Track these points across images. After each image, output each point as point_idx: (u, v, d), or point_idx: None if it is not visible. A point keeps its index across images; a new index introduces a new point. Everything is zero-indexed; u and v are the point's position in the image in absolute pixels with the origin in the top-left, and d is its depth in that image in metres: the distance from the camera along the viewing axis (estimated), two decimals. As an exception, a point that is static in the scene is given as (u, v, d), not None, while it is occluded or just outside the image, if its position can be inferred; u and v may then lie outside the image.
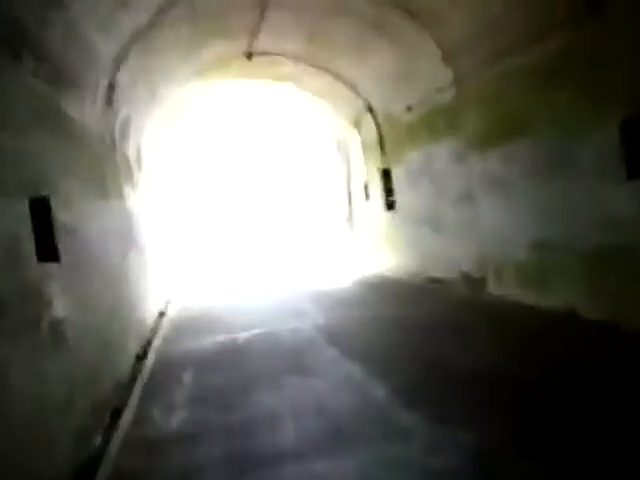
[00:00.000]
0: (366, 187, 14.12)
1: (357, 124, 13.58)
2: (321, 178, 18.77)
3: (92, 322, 5.21)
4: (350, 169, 15.55)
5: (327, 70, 12.27)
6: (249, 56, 11.73)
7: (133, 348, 7.19)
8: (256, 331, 8.00)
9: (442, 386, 4.98)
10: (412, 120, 10.66)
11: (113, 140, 8.14)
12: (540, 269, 7.41)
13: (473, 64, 8.18)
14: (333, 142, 16.88)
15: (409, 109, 10.65)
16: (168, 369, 6.76)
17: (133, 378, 6.44)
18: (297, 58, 12.08)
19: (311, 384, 5.48)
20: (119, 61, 7.52)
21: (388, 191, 12.52)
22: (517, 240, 7.77)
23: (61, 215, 4.65)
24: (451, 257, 9.87)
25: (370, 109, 12.33)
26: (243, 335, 7.88)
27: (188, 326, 9.15)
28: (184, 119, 15.18)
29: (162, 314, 10.45)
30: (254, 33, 10.00)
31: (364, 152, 13.70)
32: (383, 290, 10.43)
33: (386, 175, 12.46)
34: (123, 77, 7.92)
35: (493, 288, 8.69)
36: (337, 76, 12.32)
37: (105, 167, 7.16)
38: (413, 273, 11.27)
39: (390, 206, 12.50)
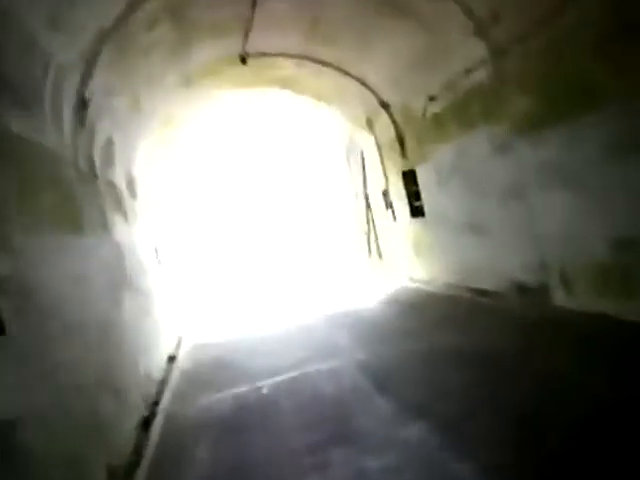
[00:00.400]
0: (385, 194, 12.72)
1: (370, 125, 12.21)
2: (333, 189, 17.39)
3: (64, 413, 3.81)
4: (366, 176, 14.16)
5: (332, 66, 10.93)
6: (243, 59, 10.42)
7: (133, 418, 5.79)
8: (283, 376, 6.59)
9: (555, 463, 3.53)
10: (437, 111, 9.27)
11: (92, 166, 6.82)
12: (627, 272, 5.95)
13: (516, 31, 6.78)
14: (343, 148, 15.52)
15: (432, 99, 9.26)
16: (178, 441, 5.38)
17: (134, 462, 5.05)
18: (297, 56, 10.76)
19: (366, 462, 4.05)
20: (88, 69, 6.21)
21: (413, 195, 11.11)
22: (593, 239, 6.31)
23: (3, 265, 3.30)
24: (499, 265, 8.43)
25: (384, 105, 10.95)
26: (268, 383, 6.46)
27: (202, 374, 7.74)
28: (180, 136, 13.89)
29: (172, 358, 9.05)
30: (247, 28, 8.68)
31: (380, 155, 12.32)
32: (422, 309, 8.95)
33: (409, 178, 11.06)
34: (96, 89, 6.61)
35: (560, 299, 7.23)
36: (343, 72, 10.98)
37: (80, 198, 5.81)
38: (452, 285, 9.83)
39: (417, 212, 11.08)
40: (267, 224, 23.98)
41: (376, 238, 14.51)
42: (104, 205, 6.98)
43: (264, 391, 6.22)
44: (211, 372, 7.72)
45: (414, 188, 10.97)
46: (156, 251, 11.26)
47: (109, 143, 7.79)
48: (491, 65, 7.47)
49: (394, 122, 10.97)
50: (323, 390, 5.81)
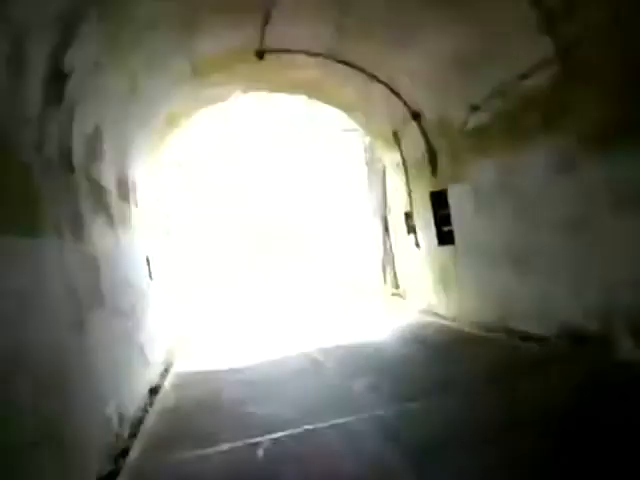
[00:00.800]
0: (408, 216, 11.42)
1: (396, 138, 10.97)
2: (350, 209, 16.12)
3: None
4: (386, 196, 12.90)
5: (358, 68, 9.73)
6: (260, 54, 9.25)
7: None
8: (286, 433, 5.17)
9: None
10: (480, 122, 8.01)
11: (67, 156, 5.57)
12: None
13: (594, 24, 5.53)
14: (363, 164, 14.30)
15: (475, 109, 8.01)
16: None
17: None
18: (322, 55, 9.58)
19: None
20: (67, 34, 5.00)
21: (442, 219, 9.81)
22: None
23: None
24: (549, 306, 7.08)
25: (415, 116, 9.71)
26: (266, 441, 5.07)
27: (186, 416, 6.35)
28: (186, 141, 12.69)
29: (155, 390, 7.68)
30: (267, 12, 7.48)
31: (406, 173, 11.05)
32: (453, 352, 7.54)
33: (439, 199, 9.76)
34: (79, 62, 5.39)
35: (626, 351, 5.87)
36: (371, 76, 9.78)
37: (41, 192, 4.54)
38: (485, 325, 8.46)
39: (445, 238, 9.76)
40: (280, 241, 22.61)
41: (393, 266, 13.18)
42: (80, 205, 5.70)
43: (260, 453, 4.85)
44: (197, 414, 6.33)
45: (444, 211, 9.67)
46: (148, 263, 9.97)
47: (96, 133, 6.56)
48: (557, 66, 6.21)
49: (425, 135, 9.72)
50: (339, 464, 4.40)
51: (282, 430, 5.25)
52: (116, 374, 5.96)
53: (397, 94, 9.66)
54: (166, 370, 9.28)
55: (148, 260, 9.98)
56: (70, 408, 4.33)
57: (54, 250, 4.51)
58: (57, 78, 5.16)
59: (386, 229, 13.29)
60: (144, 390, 7.29)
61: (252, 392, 6.87)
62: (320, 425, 5.21)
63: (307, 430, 5.16)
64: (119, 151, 8.00)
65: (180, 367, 9.35)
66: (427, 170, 9.95)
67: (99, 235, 6.31)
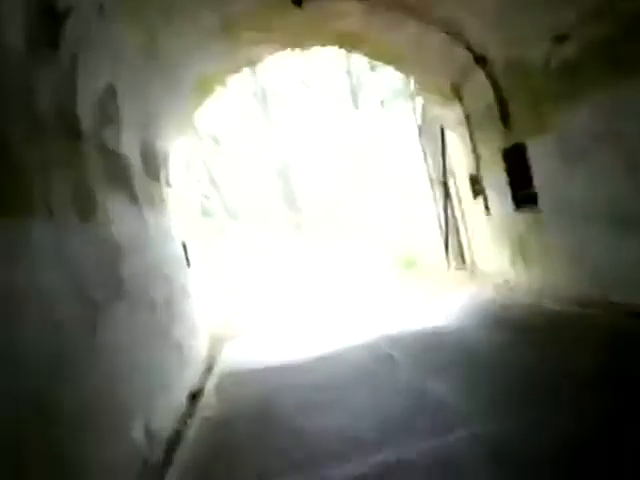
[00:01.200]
0: (475, 179, 10.05)
1: (456, 91, 9.56)
2: (401, 175, 14.79)
3: None
4: (445, 157, 11.52)
5: (409, 12, 8.36)
6: (298, 1, 8.00)
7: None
8: (366, 462, 3.89)
9: None
10: (568, 57, 6.55)
11: (71, 118, 4.52)
12: None
13: None
14: (414, 125, 12.91)
15: (561, 40, 6.56)
16: None
17: None
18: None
19: None
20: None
21: (519, 180, 8.40)
22: None
23: None
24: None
25: (481, 60, 8.29)
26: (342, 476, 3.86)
27: (231, 434, 5.24)
28: (223, 111, 11.59)
29: (195, 396, 6.69)
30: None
31: (469, 129, 9.65)
32: (550, 338, 6.20)
33: (514, 156, 8.34)
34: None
35: None
36: (426, 19, 8.39)
37: (31, 162, 3.49)
38: (580, 300, 7.07)
39: (524, 202, 8.35)
40: (326, 219, 21.39)
41: (458, 237, 11.84)
42: (88, 179, 4.66)
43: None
44: (246, 432, 5.20)
45: (521, 170, 8.26)
46: (185, 250, 8.98)
47: (109, 92, 5.49)
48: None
49: (494, 82, 8.28)
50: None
51: (359, 456, 4.02)
52: (146, 381, 4.95)
53: (457, 36, 8.24)
54: (209, 369, 8.31)
55: (185, 246, 8.99)
56: (76, 436, 3.30)
57: (45, 232, 3.45)
58: (48, 17, 4.09)
59: (447, 196, 11.91)
60: (182, 397, 6.28)
61: (312, 397, 5.72)
62: (406, 452, 3.95)
63: (395, 461, 3.85)
64: (142, 118, 6.95)
65: (225, 364, 8.36)
66: (497, 124, 8.53)
67: (119, 216, 5.28)
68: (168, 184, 9.03)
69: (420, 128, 12.64)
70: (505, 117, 8.29)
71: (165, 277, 6.99)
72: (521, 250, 8.81)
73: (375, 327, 8.60)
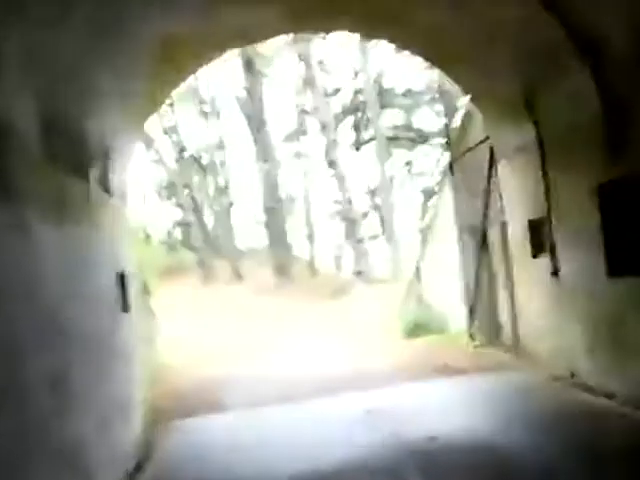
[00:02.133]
0: (538, 227, 7.35)
1: (530, 103, 6.92)
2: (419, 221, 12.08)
3: None
4: (490, 198, 8.83)
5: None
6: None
7: None
8: None
9: None
10: None
11: None
12: None
13: None
14: (442, 152, 10.30)
15: None
16: None
17: None
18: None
19: None
20: None
21: (623, 232, 5.69)
22: None
23: None
24: None
25: (589, 51, 5.65)
26: None
27: None
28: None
29: None
30: None
31: (542, 157, 6.98)
32: None
33: (621, 195, 5.66)
34: None
35: None
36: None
37: None
38: None
39: (630, 264, 5.61)
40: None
41: (492, 301, 9.05)
42: None
43: None
44: None
45: (628, 217, 5.56)
46: (122, 285, 6.07)
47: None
48: None
49: (606, 85, 5.63)
50: None
51: None
52: None
53: (556, 13, 5.61)
54: (138, 467, 5.34)
55: (123, 279, 6.08)
56: None
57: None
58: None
59: (483, 248, 9.18)
60: None
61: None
62: None
63: None
64: (50, 74, 4.16)
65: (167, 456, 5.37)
66: (594, 148, 5.87)
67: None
68: (110, 191, 6.22)
69: (452, 152, 10.06)
70: (613, 138, 5.61)
71: (62, 336, 4.07)
72: (610, 335, 6.03)
73: (387, 426, 5.69)
